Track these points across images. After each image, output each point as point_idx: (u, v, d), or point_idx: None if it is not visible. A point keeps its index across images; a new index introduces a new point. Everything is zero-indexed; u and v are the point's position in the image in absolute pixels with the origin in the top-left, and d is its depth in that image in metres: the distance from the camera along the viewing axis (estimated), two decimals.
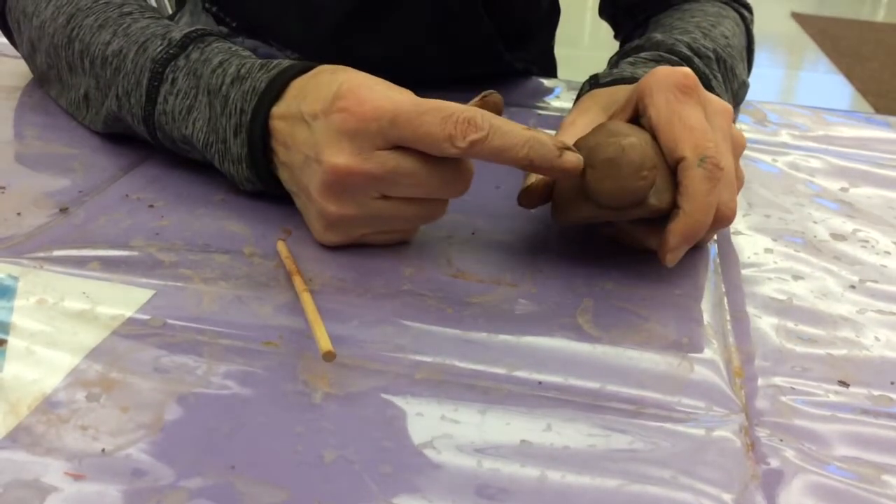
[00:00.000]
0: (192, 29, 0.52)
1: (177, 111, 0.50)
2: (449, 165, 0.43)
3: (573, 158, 0.41)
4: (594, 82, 0.54)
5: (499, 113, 0.44)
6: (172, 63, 0.50)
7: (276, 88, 0.46)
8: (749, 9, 0.73)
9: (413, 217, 0.45)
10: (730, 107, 0.46)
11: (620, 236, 0.47)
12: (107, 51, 0.53)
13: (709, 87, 0.55)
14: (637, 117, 0.46)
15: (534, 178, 0.46)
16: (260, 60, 0.49)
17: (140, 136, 0.54)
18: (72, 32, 0.56)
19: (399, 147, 0.42)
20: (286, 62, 0.48)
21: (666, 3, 0.72)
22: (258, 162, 0.47)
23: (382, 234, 0.46)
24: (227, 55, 0.49)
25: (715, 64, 0.59)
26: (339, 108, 0.42)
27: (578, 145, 0.43)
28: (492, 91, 0.45)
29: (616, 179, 0.41)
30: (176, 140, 0.51)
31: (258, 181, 0.48)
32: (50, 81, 0.62)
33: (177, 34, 0.51)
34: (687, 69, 0.45)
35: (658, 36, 0.58)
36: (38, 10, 0.60)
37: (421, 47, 0.69)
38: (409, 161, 0.42)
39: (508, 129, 0.40)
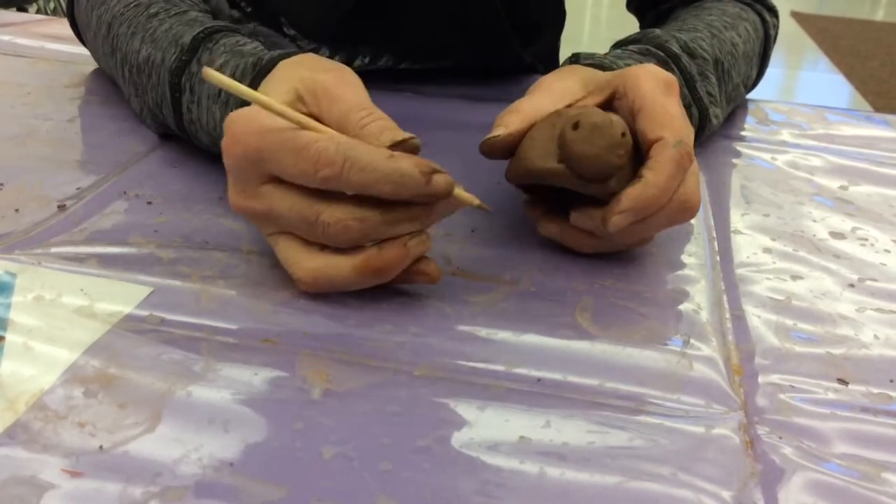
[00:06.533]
0: (202, 28, 0.51)
1: (201, 118, 0.50)
2: (329, 215, 0.38)
3: (442, 181, 0.38)
4: (574, 60, 0.54)
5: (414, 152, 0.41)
6: (186, 71, 0.50)
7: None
8: (773, 11, 0.72)
9: (344, 241, 0.40)
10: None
11: (563, 236, 0.47)
12: (139, 58, 0.54)
13: (692, 87, 0.56)
14: (609, 103, 0.46)
15: (502, 129, 0.46)
16: (254, 58, 0.47)
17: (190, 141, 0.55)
18: (113, 42, 0.57)
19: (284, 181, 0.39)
20: (276, 55, 0.46)
21: None
22: None
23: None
24: (229, 55, 0.49)
25: (711, 66, 0.59)
26: (223, 147, 0.40)
27: (563, 113, 0.43)
28: (412, 136, 0.40)
29: (596, 146, 0.41)
30: (208, 145, 0.52)
31: None
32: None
33: (188, 37, 0.51)
34: (672, 77, 0.45)
35: (656, 31, 0.58)
36: (89, 20, 0.61)
37: (433, 35, 0.69)
38: (289, 197, 0.39)
39: (368, 163, 0.37)
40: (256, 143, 0.38)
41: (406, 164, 0.37)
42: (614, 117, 0.42)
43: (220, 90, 0.48)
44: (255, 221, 0.42)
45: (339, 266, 0.40)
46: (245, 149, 0.39)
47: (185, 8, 0.56)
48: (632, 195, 0.42)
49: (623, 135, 0.42)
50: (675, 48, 0.56)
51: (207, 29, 0.51)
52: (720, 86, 0.60)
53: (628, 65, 0.53)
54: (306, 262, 0.40)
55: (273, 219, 0.40)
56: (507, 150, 0.45)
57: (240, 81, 0.46)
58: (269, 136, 0.38)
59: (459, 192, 0.40)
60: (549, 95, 0.47)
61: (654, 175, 0.42)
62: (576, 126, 0.42)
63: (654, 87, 0.44)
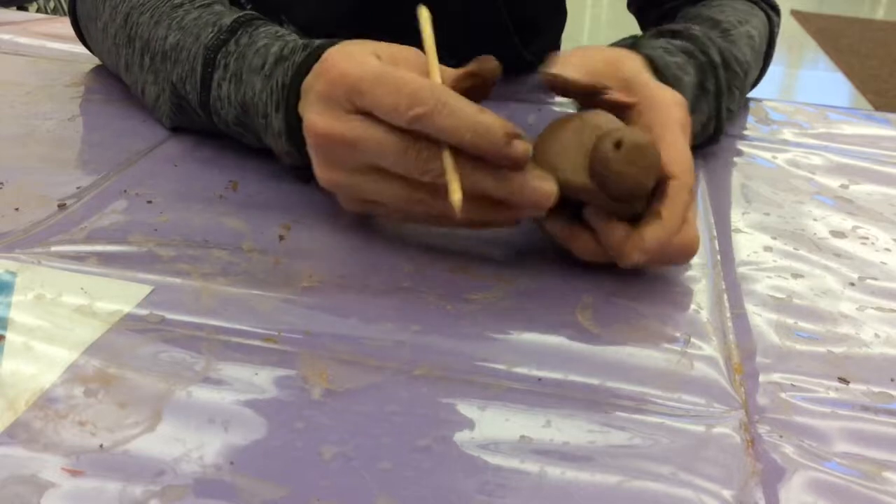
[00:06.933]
0: (242, 13, 0.53)
1: (232, 95, 0.51)
2: (422, 144, 0.40)
3: (521, 147, 0.39)
4: (633, 43, 0.54)
5: (492, 79, 0.43)
6: (223, 49, 0.51)
7: (310, 63, 0.46)
8: (776, 10, 0.73)
9: (402, 198, 0.43)
10: None
11: (568, 235, 0.46)
12: (165, 45, 0.55)
13: (719, 103, 0.56)
14: (625, 107, 0.46)
15: (570, 68, 0.46)
16: (303, 41, 0.49)
17: (203, 126, 0.55)
18: (130, 31, 0.58)
19: (373, 115, 0.41)
20: (327, 40, 0.48)
21: None
22: (295, 135, 0.47)
23: (388, 212, 0.45)
24: (272, 39, 0.50)
25: (740, 79, 0.59)
26: (316, 73, 0.43)
27: (588, 122, 0.43)
28: (488, 57, 0.43)
29: (635, 166, 0.41)
30: (230, 123, 0.52)
31: (298, 155, 0.49)
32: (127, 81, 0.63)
33: (227, 20, 0.52)
34: (689, 119, 0.46)
35: (695, 28, 0.57)
36: (99, 12, 0.61)
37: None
38: (378, 129, 0.41)
39: (456, 110, 0.39)
40: (357, 72, 0.41)
41: (493, 120, 0.39)
42: (650, 139, 0.42)
43: (265, 63, 0.49)
44: (333, 148, 0.43)
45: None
46: (342, 76, 0.41)
47: (209, 1, 0.57)
48: (654, 235, 0.42)
49: (660, 163, 0.42)
50: (716, 56, 0.56)
51: (249, 15, 0.53)
52: (739, 97, 0.60)
53: (676, 63, 0.53)
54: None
55: (357, 147, 0.42)
56: (562, 91, 0.47)
57: (288, 58, 0.48)
58: (369, 69, 0.41)
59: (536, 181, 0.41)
60: (588, 64, 0.47)
61: (671, 216, 0.42)
62: (618, 145, 0.41)
63: (679, 124, 0.45)
